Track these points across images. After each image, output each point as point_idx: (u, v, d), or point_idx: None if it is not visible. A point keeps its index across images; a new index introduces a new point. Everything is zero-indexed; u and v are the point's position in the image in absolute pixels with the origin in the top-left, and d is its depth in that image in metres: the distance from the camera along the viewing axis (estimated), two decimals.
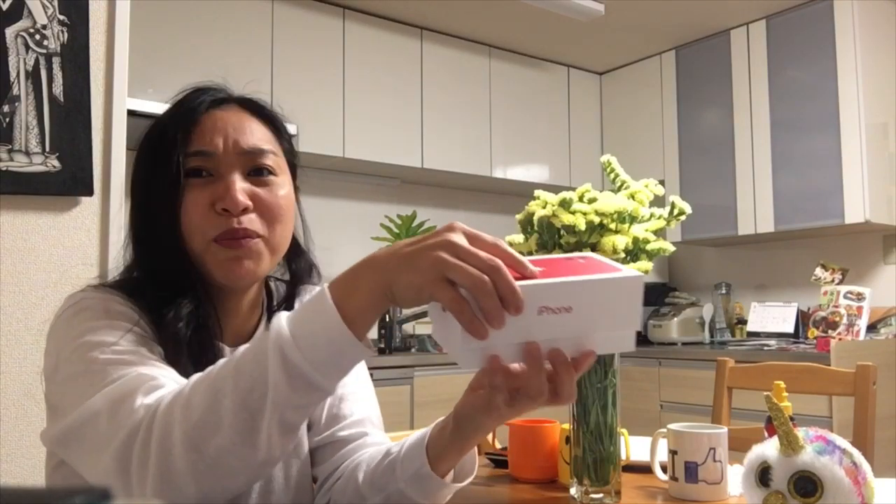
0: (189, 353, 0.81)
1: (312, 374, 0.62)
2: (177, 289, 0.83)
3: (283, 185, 0.88)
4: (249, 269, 0.84)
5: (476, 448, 0.86)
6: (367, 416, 1.00)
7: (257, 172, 0.86)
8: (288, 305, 0.96)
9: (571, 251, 1.04)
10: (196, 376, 0.67)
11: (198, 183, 0.83)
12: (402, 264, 0.62)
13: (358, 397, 1.01)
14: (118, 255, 0.91)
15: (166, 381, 0.71)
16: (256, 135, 0.87)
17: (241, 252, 0.83)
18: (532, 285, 0.61)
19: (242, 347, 0.67)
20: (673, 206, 1.08)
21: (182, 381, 0.72)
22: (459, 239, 0.62)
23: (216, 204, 0.82)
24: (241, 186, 0.83)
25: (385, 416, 1.07)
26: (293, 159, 0.93)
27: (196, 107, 0.86)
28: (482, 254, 0.61)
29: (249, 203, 0.84)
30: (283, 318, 0.64)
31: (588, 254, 0.72)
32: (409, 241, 0.64)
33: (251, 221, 0.84)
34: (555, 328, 0.63)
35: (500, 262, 0.60)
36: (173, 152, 0.83)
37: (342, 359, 0.64)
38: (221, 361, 0.67)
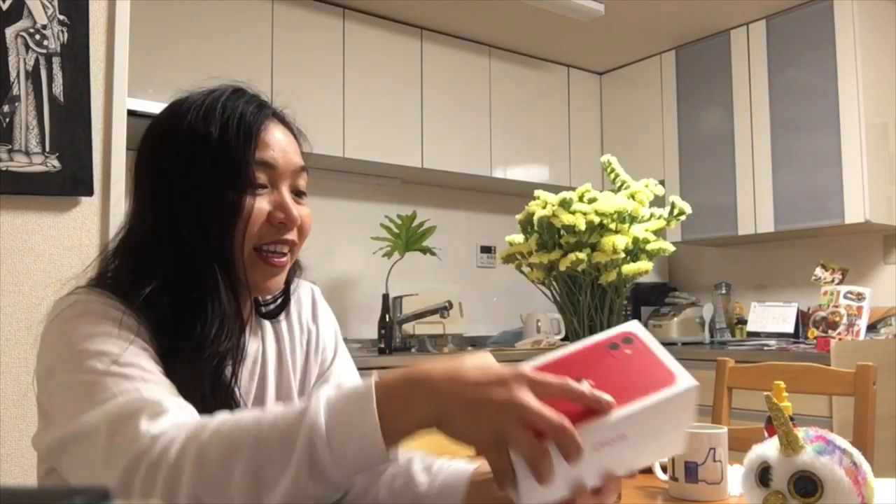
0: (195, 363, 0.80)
1: (335, 475, 0.62)
2: (205, 295, 0.83)
3: (307, 203, 0.93)
4: (279, 283, 0.91)
5: None
6: None
7: (296, 191, 0.91)
8: (283, 301, 0.99)
9: (571, 251, 1.04)
10: (217, 421, 0.65)
11: (260, 193, 0.87)
12: (461, 407, 0.61)
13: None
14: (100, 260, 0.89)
15: (170, 406, 0.69)
16: (298, 153, 0.92)
17: (277, 270, 0.89)
18: (589, 428, 0.59)
19: (274, 411, 0.65)
20: (673, 206, 1.08)
21: (185, 405, 0.71)
22: (528, 398, 0.60)
23: (274, 215, 0.87)
24: (293, 202, 0.89)
25: None
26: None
27: (260, 118, 0.88)
28: (551, 417, 0.59)
29: (300, 219, 0.89)
30: (322, 409, 0.63)
31: (632, 329, 0.66)
32: (474, 378, 0.61)
33: (294, 235, 0.90)
34: (607, 457, 0.61)
35: (567, 423, 0.59)
36: (244, 158, 0.85)
37: (368, 466, 0.64)
38: (248, 416, 0.66)
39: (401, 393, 0.63)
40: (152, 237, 0.85)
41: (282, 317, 1.01)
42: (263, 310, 0.99)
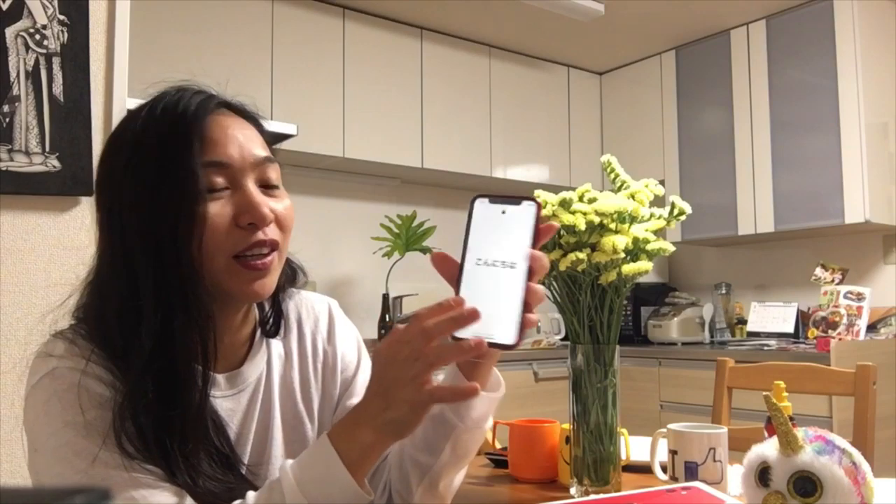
0: (167, 382, 0.76)
1: None
2: (180, 312, 0.76)
3: (285, 195, 0.85)
4: (268, 286, 0.82)
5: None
6: None
7: (265, 184, 0.82)
8: (274, 311, 0.93)
9: (571, 251, 1.04)
10: None
11: (218, 196, 0.78)
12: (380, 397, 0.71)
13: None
14: (80, 285, 0.84)
15: None
16: (259, 144, 0.83)
17: (261, 273, 0.80)
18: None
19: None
20: (673, 206, 1.08)
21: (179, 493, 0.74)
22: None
23: (240, 217, 0.78)
24: (262, 199, 0.80)
25: None
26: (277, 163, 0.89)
27: (201, 113, 0.79)
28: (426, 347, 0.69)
29: (272, 215, 0.81)
30: (290, 473, 0.71)
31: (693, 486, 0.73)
32: (380, 373, 0.73)
33: (273, 232, 0.81)
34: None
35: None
36: (188, 163, 0.76)
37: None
38: None
39: (348, 429, 0.72)
40: (109, 267, 0.80)
41: (293, 338, 0.94)
42: (265, 328, 0.92)
